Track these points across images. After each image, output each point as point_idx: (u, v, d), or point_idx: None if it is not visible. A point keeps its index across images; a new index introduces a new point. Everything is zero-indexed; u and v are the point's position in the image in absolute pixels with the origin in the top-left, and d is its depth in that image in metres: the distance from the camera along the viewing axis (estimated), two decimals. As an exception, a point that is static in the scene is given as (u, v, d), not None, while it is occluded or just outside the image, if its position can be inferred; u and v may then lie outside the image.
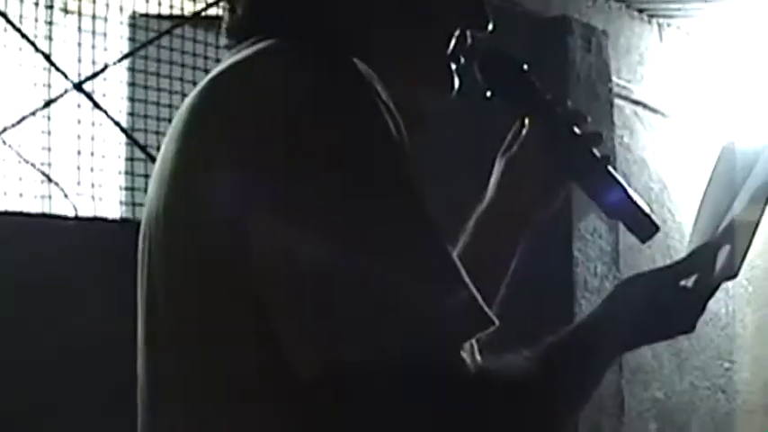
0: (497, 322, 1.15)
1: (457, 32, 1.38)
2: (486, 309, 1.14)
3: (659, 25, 5.71)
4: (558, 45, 4.63)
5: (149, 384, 1.27)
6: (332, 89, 1.14)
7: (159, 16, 3.80)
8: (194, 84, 3.56)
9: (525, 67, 1.49)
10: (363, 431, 1.10)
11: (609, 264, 4.57)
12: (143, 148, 3.44)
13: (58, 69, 3.33)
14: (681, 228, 5.35)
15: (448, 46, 1.37)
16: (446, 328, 1.11)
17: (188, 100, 1.26)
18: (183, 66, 3.61)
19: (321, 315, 1.09)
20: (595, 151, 1.49)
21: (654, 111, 5.57)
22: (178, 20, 3.73)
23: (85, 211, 3.33)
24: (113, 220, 3.39)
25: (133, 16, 3.74)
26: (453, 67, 1.38)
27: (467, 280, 1.14)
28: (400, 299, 1.08)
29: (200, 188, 1.18)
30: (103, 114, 3.40)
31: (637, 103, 5.41)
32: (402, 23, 1.33)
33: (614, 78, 5.02)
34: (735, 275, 1.40)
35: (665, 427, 5.38)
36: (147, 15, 3.77)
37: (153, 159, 3.44)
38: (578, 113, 1.53)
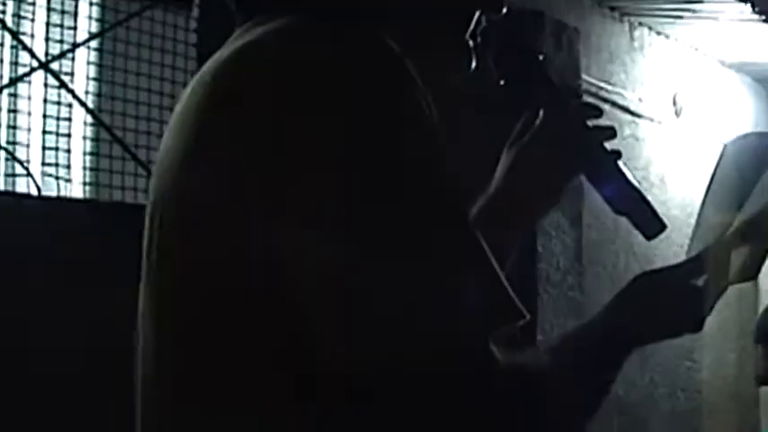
0: (528, 315, 1.13)
1: (473, 14, 1.35)
2: (517, 301, 1.13)
3: (630, 24, 5.73)
4: (530, 41, 4.64)
5: (158, 379, 1.21)
6: (365, 67, 1.10)
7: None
8: (163, 66, 3.63)
9: (541, 57, 1.49)
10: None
11: (572, 259, 4.59)
12: (109, 129, 3.45)
13: (25, 48, 3.33)
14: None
15: (465, 26, 1.34)
16: (479, 319, 1.09)
17: (205, 76, 1.20)
18: (151, 48, 3.61)
19: (357, 313, 1.06)
20: (606, 146, 1.48)
21: (624, 109, 5.60)
22: (148, 2, 3.73)
23: (50, 191, 3.33)
24: (78, 200, 3.39)
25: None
26: (471, 45, 1.35)
27: (498, 271, 1.12)
28: (434, 292, 1.07)
29: (222, 178, 1.12)
30: (71, 95, 3.40)
31: (606, 101, 5.44)
32: (420, 2, 1.31)
33: (584, 76, 5.05)
34: (754, 277, 1.43)
35: (627, 423, 5.42)
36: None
37: (119, 141, 3.45)
38: (592, 107, 1.53)
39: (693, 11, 5.42)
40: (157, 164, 1.27)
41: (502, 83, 1.47)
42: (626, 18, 5.69)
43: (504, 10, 1.37)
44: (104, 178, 3.44)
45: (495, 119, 1.58)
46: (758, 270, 1.42)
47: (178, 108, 1.25)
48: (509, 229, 1.53)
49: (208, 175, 1.13)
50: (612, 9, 5.58)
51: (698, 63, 6.17)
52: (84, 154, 3.48)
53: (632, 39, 5.75)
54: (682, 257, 1.50)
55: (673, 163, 5.90)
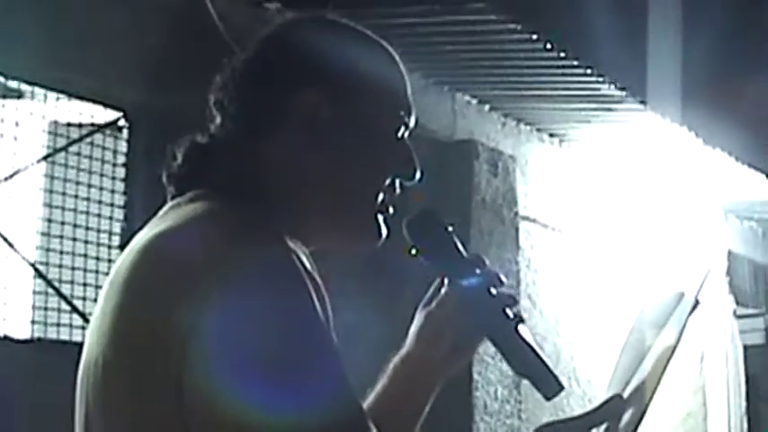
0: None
1: (387, 182, 1.50)
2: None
3: (569, 148, 5.81)
4: (464, 170, 4.70)
5: None
6: (258, 266, 1.28)
7: (80, 125, 3.84)
8: (101, 191, 3.66)
9: (450, 228, 1.60)
10: None
11: (510, 387, 4.58)
12: (49, 282, 3.47)
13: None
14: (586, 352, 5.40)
15: (377, 196, 1.50)
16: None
17: (128, 256, 1.39)
18: (90, 173, 3.67)
19: None
20: (509, 311, 1.58)
21: (561, 232, 5.65)
22: (92, 128, 3.77)
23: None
24: (22, 341, 3.39)
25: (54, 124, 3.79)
26: (382, 217, 1.51)
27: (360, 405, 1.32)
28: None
29: (137, 339, 1.30)
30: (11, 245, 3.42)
31: (544, 225, 5.49)
32: (333, 178, 1.47)
33: (522, 200, 5.11)
34: None
35: None
36: (69, 124, 3.82)
37: (60, 294, 3.46)
38: (495, 275, 1.61)
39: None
40: (89, 330, 1.42)
41: (413, 251, 1.59)
42: (565, 143, 5.77)
43: (418, 176, 1.51)
44: (51, 317, 3.48)
45: (405, 284, 1.70)
46: (635, 428, 1.47)
47: (108, 280, 1.41)
48: (421, 385, 1.64)
49: (135, 333, 1.31)
50: (552, 135, 5.67)
51: (633, 184, 6.26)
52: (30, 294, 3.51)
53: (570, 162, 5.83)
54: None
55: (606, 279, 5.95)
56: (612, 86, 4.70)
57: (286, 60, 1.50)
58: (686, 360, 6.94)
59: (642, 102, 4.90)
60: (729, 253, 7.64)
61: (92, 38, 3.53)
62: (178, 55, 3.67)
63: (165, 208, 1.46)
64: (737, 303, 7.90)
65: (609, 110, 5.10)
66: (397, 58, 1.56)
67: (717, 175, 6.23)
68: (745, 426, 7.78)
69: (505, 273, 4.94)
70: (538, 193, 5.49)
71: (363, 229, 1.51)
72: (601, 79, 4.61)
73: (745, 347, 7.99)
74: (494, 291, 1.59)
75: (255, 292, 1.26)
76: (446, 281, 1.62)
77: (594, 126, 5.43)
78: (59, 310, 3.55)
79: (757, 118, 5.61)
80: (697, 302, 1.56)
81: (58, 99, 3.67)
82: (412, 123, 1.55)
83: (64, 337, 3.48)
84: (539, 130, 5.55)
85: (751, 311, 8.42)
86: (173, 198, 1.47)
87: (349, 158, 1.48)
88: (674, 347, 1.50)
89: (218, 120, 1.51)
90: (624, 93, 4.78)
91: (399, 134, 1.53)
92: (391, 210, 1.52)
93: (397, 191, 1.52)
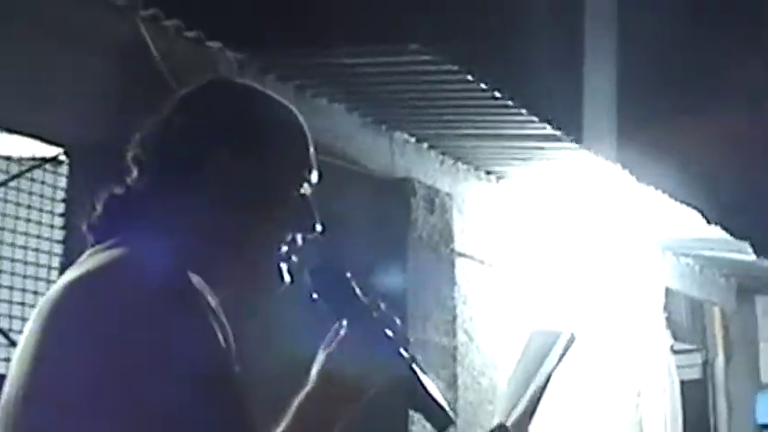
0: None
1: (288, 236, 1.67)
2: None
3: (507, 186, 5.90)
4: (401, 206, 4.78)
5: None
6: (166, 305, 1.42)
7: (20, 160, 3.87)
8: (40, 226, 3.69)
9: (348, 275, 1.75)
10: None
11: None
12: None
13: None
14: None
15: (279, 247, 1.66)
16: None
17: (52, 294, 1.52)
18: (29, 207, 3.71)
19: None
20: (402, 351, 1.72)
21: (497, 268, 5.72)
22: (32, 163, 3.80)
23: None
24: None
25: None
26: (284, 265, 1.66)
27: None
28: None
29: (52, 380, 1.43)
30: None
31: (481, 261, 5.56)
32: (238, 231, 1.63)
33: (458, 237, 5.18)
34: None
35: None
36: (9, 159, 3.84)
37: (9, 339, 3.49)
38: (391, 318, 1.75)
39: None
40: (10, 366, 1.53)
41: (315, 296, 1.73)
42: (502, 181, 5.86)
43: (318, 230, 1.69)
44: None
45: (307, 328, 1.82)
46: None
47: (30, 320, 1.53)
48: (324, 423, 1.77)
49: (52, 374, 1.43)
50: (489, 173, 5.76)
51: (568, 219, 6.36)
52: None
53: (508, 200, 5.91)
54: None
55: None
56: (547, 125, 4.79)
57: (199, 121, 1.65)
58: (624, 395, 7.03)
59: (577, 140, 5.00)
60: (667, 289, 7.76)
61: (33, 74, 3.57)
62: (119, 91, 3.72)
63: (85, 255, 1.59)
64: (675, 339, 8.02)
65: (544, 148, 5.20)
66: (301, 119, 1.73)
67: (653, 213, 6.34)
68: (683, 460, 7.87)
69: (442, 308, 5.05)
70: (474, 229, 5.56)
71: (267, 278, 1.67)
72: (535, 118, 4.71)
73: (682, 383, 8.10)
74: (389, 333, 1.73)
75: (162, 333, 1.40)
76: (345, 323, 1.75)
77: (531, 164, 5.53)
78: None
79: (691, 156, 5.74)
80: (573, 338, 1.70)
81: (-2, 134, 3.71)
82: (314, 180, 1.71)
83: (2, 371, 3.50)
84: (476, 168, 5.64)
85: (688, 347, 8.55)
86: (92, 246, 1.61)
87: (253, 215, 1.64)
88: (550, 376, 1.64)
89: (135, 173, 1.65)
90: (559, 131, 4.88)
91: (301, 191, 1.69)
92: (293, 258, 1.68)
93: (299, 243, 1.69)
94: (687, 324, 8.55)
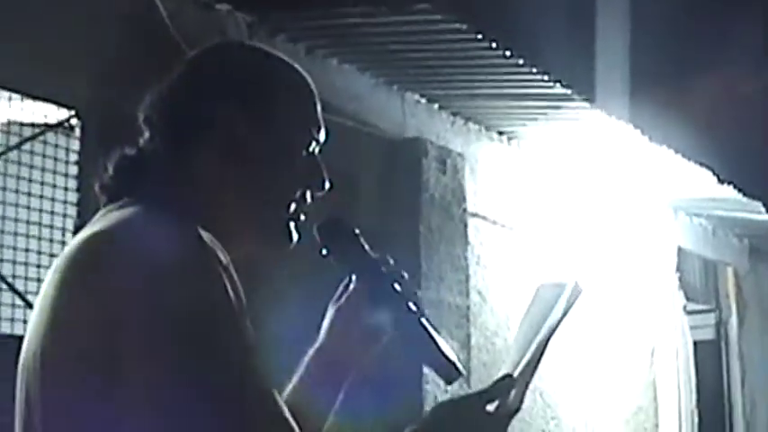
0: None
1: (298, 194, 1.69)
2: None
3: (519, 146, 5.90)
4: (412, 167, 4.78)
5: None
6: (178, 261, 1.44)
7: (32, 124, 3.88)
8: (54, 188, 3.71)
9: (357, 231, 1.77)
10: None
11: (460, 380, 4.65)
12: (3, 278, 3.51)
13: None
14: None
15: (289, 205, 1.68)
16: None
17: (68, 252, 1.53)
18: (43, 170, 3.72)
19: None
20: (411, 305, 1.74)
21: (510, 228, 5.73)
22: (45, 127, 3.81)
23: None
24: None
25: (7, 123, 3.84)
26: (293, 224, 1.68)
27: (287, 416, 1.45)
28: None
29: (69, 336, 1.45)
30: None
31: (493, 222, 5.56)
32: (248, 189, 1.65)
33: (471, 198, 5.18)
34: (518, 409, 1.66)
35: None
36: (21, 123, 3.86)
37: (14, 290, 3.50)
38: (399, 273, 1.77)
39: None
40: (28, 326, 1.55)
41: (324, 252, 1.75)
42: (513, 141, 5.85)
43: (327, 186, 1.71)
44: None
45: (317, 283, 1.85)
46: (521, 401, 1.65)
47: (47, 279, 1.55)
48: (334, 375, 1.82)
49: (72, 330, 1.44)
50: (501, 134, 5.75)
51: (582, 181, 6.36)
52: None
53: (520, 161, 5.91)
54: None
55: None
56: (558, 85, 4.78)
57: (209, 79, 1.68)
58: (637, 355, 7.05)
59: (589, 100, 4.99)
60: (679, 249, 7.76)
61: (44, 37, 3.57)
62: (129, 54, 3.73)
63: (98, 215, 1.61)
64: (688, 299, 8.02)
65: (556, 108, 5.19)
66: (308, 79, 1.74)
67: (665, 173, 6.33)
68: (696, 420, 7.90)
69: (455, 269, 5.05)
70: (486, 190, 5.57)
71: (276, 235, 1.68)
72: (546, 78, 4.70)
73: (696, 343, 8.11)
74: (398, 287, 1.75)
75: (175, 288, 1.42)
76: (354, 279, 1.78)
77: (542, 124, 5.52)
78: (13, 305, 3.61)
79: (703, 116, 5.72)
80: (579, 289, 1.71)
81: (10, 99, 3.72)
82: (322, 139, 1.72)
83: (18, 332, 3.53)
84: (487, 128, 5.63)
85: (701, 307, 8.56)
86: (104, 206, 1.63)
87: (262, 172, 1.66)
88: (555, 329, 1.66)
89: (147, 134, 1.67)
90: (570, 91, 4.87)
91: (310, 149, 1.71)
92: (302, 217, 1.70)
93: (308, 200, 1.71)
94: (700, 285, 8.55)
